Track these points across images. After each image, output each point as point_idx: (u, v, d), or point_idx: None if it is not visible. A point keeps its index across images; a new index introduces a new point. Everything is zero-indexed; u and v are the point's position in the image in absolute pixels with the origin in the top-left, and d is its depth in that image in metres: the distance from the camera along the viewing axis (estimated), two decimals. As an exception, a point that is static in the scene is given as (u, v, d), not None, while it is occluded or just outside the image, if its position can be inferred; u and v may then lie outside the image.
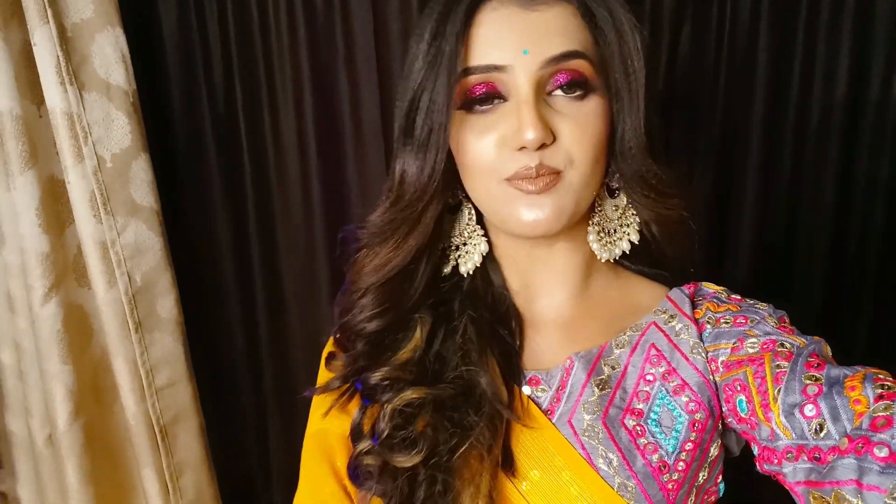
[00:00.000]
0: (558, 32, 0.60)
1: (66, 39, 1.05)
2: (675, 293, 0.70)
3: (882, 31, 1.18)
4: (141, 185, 1.16)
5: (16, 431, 1.26)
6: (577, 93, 0.61)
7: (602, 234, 0.69)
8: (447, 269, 0.72)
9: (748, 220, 1.25)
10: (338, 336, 0.72)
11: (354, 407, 0.68)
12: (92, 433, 1.19)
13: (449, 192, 0.67)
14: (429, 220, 0.65)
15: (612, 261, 0.71)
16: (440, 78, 0.60)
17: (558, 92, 0.61)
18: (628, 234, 0.70)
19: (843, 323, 1.29)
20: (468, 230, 0.72)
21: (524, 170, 0.59)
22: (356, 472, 0.64)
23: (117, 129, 1.12)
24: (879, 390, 0.51)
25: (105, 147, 1.11)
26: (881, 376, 0.53)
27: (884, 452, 0.47)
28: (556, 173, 0.60)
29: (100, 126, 1.10)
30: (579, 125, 0.60)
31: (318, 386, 0.71)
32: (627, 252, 0.70)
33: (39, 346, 1.12)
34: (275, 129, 1.28)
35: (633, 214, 0.69)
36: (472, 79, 0.61)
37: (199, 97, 1.26)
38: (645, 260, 0.74)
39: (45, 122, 1.08)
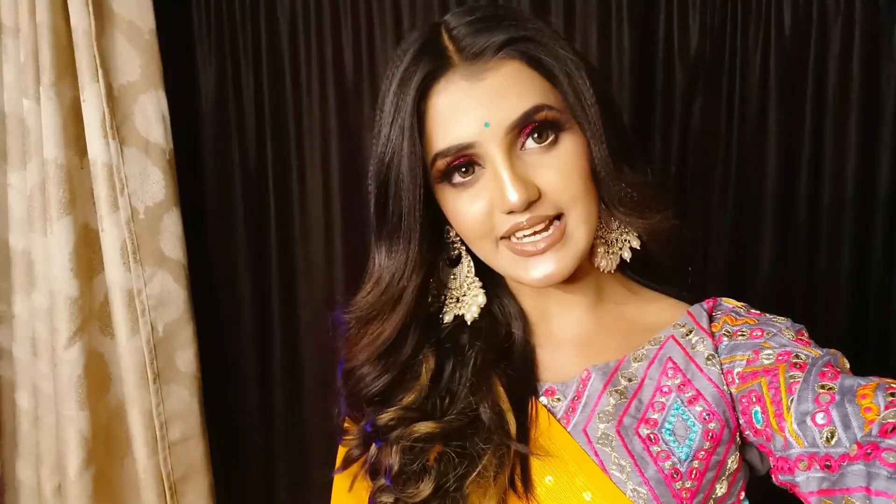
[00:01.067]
0: (512, 94, 0.60)
1: (112, 98, 1.13)
2: (694, 308, 0.71)
3: (890, 102, 1.23)
4: (170, 237, 1.20)
5: (24, 480, 1.25)
6: (549, 139, 0.61)
7: (604, 247, 0.70)
8: (447, 318, 0.72)
9: (762, 290, 1.26)
10: (346, 409, 0.72)
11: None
12: (101, 485, 1.18)
13: (427, 265, 0.67)
14: (410, 296, 0.65)
15: (619, 273, 0.72)
16: (403, 165, 0.61)
17: (530, 143, 0.61)
18: (629, 242, 0.70)
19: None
20: (467, 282, 0.72)
21: (517, 226, 0.61)
22: None
23: (152, 183, 1.17)
24: (891, 398, 0.51)
25: (139, 199, 1.16)
26: (894, 385, 0.52)
27: (893, 458, 0.47)
28: (551, 220, 0.61)
29: (136, 179, 1.15)
30: (559, 171, 0.61)
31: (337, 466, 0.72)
32: (628, 259, 0.70)
33: (58, 390, 1.13)
34: (301, 190, 1.33)
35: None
36: (442, 160, 0.62)
37: (231, 157, 1.33)
38: (649, 274, 0.75)
39: (86, 173, 1.14)
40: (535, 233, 0.61)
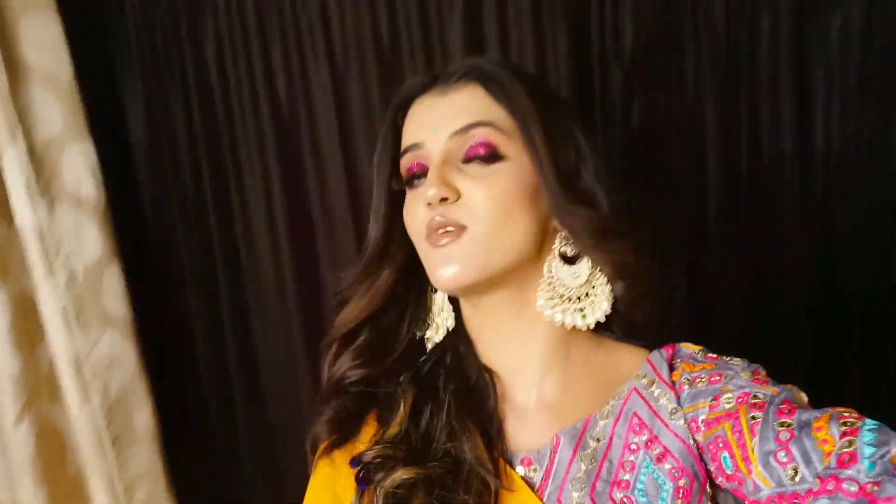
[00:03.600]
0: (465, 110, 0.69)
1: (35, 156, 1.06)
2: (654, 356, 0.72)
3: (822, 83, 1.25)
4: (113, 295, 1.14)
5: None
6: (487, 159, 0.67)
7: (557, 301, 0.70)
8: (426, 338, 0.78)
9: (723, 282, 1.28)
10: (325, 392, 0.76)
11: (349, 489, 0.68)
12: (66, 564, 1.12)
13: (404, 260, 0.75)
14: (384, 280, 0.74)
15: (590, 330, 0.72)
16: (381, 162, 0.74)
17: (473, 162, 0.68)
18: (600, 303, 0.70)
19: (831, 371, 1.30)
20: (442, 304, 0.78)
21: (430, 221, 0.67)
22: None
23: (88, 240, 1.11)
24: (843, 427, 0.52)
25: (77, 259, 1.10)
26: (846, 414, 0.54)
27: (853, 488, 0.48)
28: (461, 228, 0.66)
29: (70, 238, 1.09)
30: (483, 183, 0.67)
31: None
32: (602, 321, 0.71)
33: (11, 471, 1.06)
34: (246, 227, 1.28)
35: (601, 283, 0.71)
36: (404, 159, 0.72)
37: (170, 199, 1.27)
38: (625, 332, 0.76)
39: (16, 240, 1.07)
40: (443, 236, 0.67)
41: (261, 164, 1.25)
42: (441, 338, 0.76)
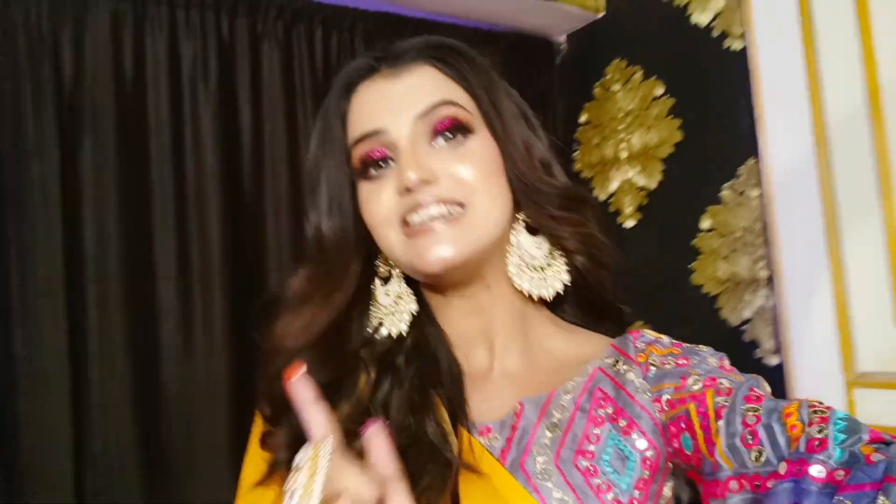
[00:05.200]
0: (423, 91, 0.67)
1: None
2: (618, 340, 0.72)
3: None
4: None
5: None
6: (456, 137, 0.66)
7: (525, 269, 0.70)
8: (383, 332, 0.72)
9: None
10: (267, 411, 0.69)
11: None
12: None
13: (366, 251, 0.71)
14: (352, 275, 0.70)
15: (547, 309, 0.74)
16: (330, 152, 0.69)
17: (440, 141, 0.66)
18: (560, 273, 0.71)
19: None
20: (400, 292, 0.73)
21: (416, 205, 0.64)
22: None
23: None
24: (814, 415, 0.52)
25: None
26: (815, 403, 0.54)
27: (822, 473, 0.47)
28: (458, 207, 0.64)
29: None
30: (460, 161, 0.65)
31: (247, 468, 0.69)
32: (562, 291, 0.71)
33: None
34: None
35: (560, 255, 0.72)
36: (359, 148, 0.68)
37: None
38: (583, 314, 0.76)
39: None
40: (432, 218, 0.64)
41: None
42: (407, 325, 0.72)
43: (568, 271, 0.71)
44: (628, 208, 1.80)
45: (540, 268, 0.71)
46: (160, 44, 1.42)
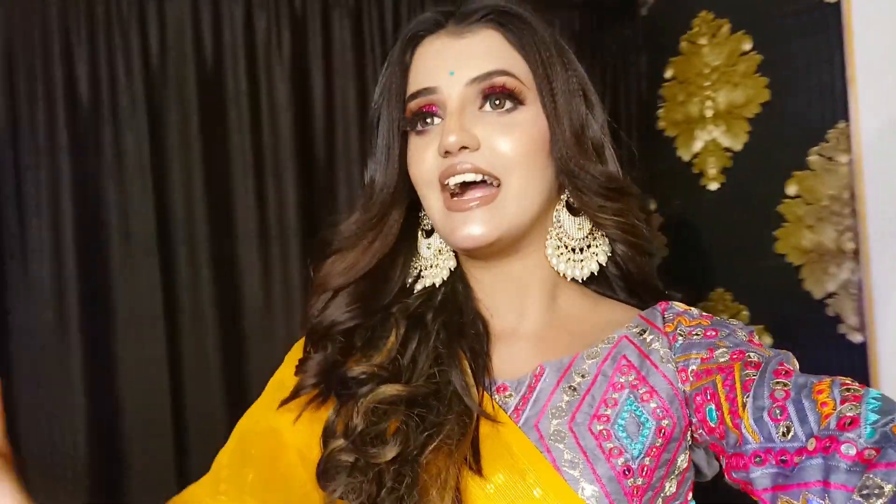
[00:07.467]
0: (482, 55, 0.67)
1: None
2: (647, 311, 0.72)
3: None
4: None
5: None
6: (506, 106, 0.67)
7: (563, 251, 0.71)
8: (419, 286, 0.76)
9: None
10: (309, 336, 0.74)
11: (317, 416, 0.69)
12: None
13: (409, 202, 0.73)
14: (392, 224, 0.72)
15: (580, 283, 0.74)
16: (388, 101, 0.71)
17: (488, 107, 0.67)
18: (597, 255, 0.72)
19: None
20: (440, 247, 0.76)
21: (452, 169, 0.65)
22: (326, 470, 0.65)
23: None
24: (846, 392, 0.52)
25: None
26: (848, 382, 0.54)
27: (851, 451, 0.47)
28: (494, 181, 0.65)
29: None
30: (503, 132, 0.66)
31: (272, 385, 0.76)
32: (596, 273, 0.73)
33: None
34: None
35: (602, 236, 0.73)
36: (413, 103, 0.69)
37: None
38: (618, 292, 0.77)
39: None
40: (465, 186, 0.65)
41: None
42: (442, 279, 0.75)
43: (608, 255, 0.73)
44: (712, 170, 1.70)
45: (579, 249, 0.72)
46: (237, 16, 1.48)
